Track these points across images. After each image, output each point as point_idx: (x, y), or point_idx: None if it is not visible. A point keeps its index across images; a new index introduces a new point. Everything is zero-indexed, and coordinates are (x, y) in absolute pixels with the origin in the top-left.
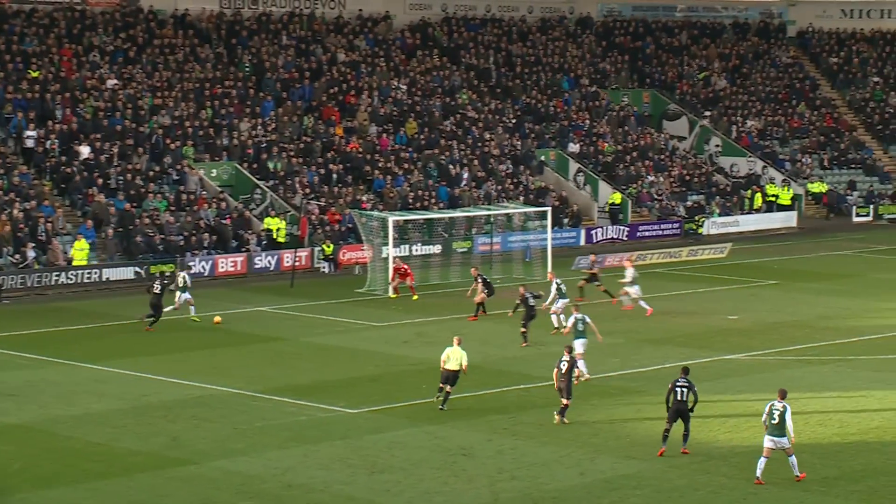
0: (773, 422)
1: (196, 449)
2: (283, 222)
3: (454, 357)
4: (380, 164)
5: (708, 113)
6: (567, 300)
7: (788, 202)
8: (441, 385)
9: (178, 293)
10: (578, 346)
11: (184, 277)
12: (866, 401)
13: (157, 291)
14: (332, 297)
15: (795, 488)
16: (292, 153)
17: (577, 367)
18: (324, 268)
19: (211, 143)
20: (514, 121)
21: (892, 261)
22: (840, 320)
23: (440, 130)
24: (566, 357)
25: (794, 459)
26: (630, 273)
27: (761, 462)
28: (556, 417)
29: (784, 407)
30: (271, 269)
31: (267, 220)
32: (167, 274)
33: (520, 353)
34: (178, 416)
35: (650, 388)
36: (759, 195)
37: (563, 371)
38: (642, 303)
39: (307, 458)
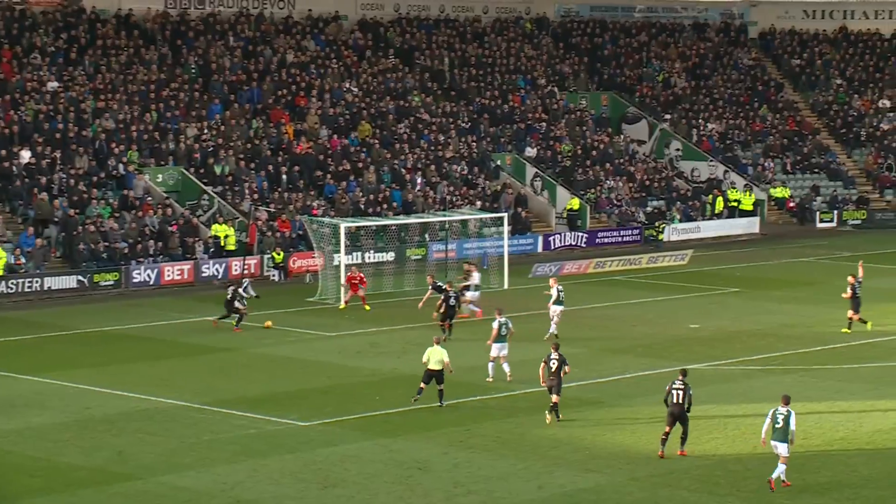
0: (777, 426)
1: (141, 464)
2: (232, 229)
3: (434, 357)
4: (331, 168)
5: (668, 116)
6: (562, 307)
7: (750, 207)
8: (422, 386)
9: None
10: (495, 350)
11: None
12: (830, 411)
13: (229, 298)
14: (282, 306)
15: (759, 501)
16: (240, 157)
17: (566, 365)
18: (273, 276)
19: (156, 147)
20: (468, 124)
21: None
22: (803, 329)
23: (393, 133)
24: (554, 355)
25: (784, 468)
26: (475, 278)
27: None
28: (548, 417)
29: (788, 412)
30: (219, 277)
31: (215, 227)
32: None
33: (476, 362)
34: (123, 430)
35: (610, 400)
36: (720, 199)
37: (553, 369)
38: (471, 306)
39: (257, 473)
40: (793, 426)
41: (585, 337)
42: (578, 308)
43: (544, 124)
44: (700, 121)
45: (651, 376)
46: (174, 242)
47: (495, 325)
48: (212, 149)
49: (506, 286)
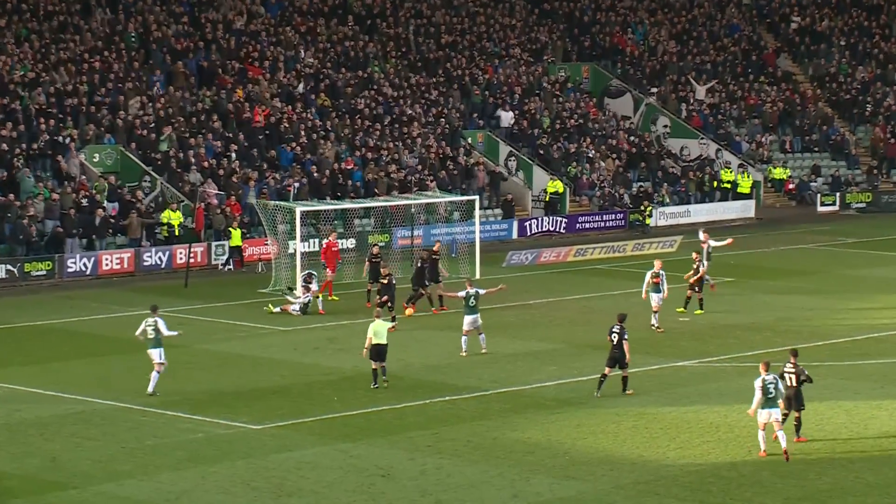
0: (769, 396)
1: (77, 471)
2: (178, 213)
3: (380, 331)
4: (286, 147)
5: (655, 90)
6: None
7: (748, 190)
8: (374, 367)
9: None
10: (467, 322)
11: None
12: (833, 412)
13: (419, 266)
14: (232, 297)
15: None
16: (185, 134)
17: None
18: (223, 265)
19: (93, 123)
20: (437, 97)
21: (860, 255)
22: (803, 322)
23: (353, 107)
24: (616, 328)
25: (783, 433)
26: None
27: (760, 435)
28: (597, 393)
29: (775, 378)
30: (162, 266)
31: (167, 212)
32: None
33: (443, 360)
34: (57, 434)
35: (591, 400)
36: (706, 178)
37: (615, 342)
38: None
39: (205, 481)
40: (781, 388)
41: (565, 331)
42: (557, 300)
43: (519, 98)
44: (690, 92)
45: (637, 374)
46: (134, 230)
47: (462, 293)
48: (153, 125)
49: (477, 276)
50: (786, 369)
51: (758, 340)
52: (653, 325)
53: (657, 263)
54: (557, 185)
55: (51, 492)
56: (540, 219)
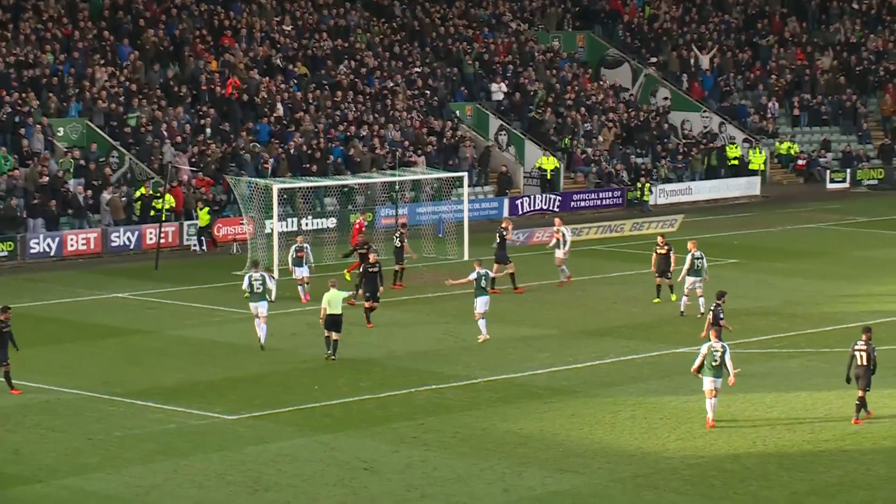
0: (713, 363)
1: (42, 464)
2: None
3: (335, 301)
4: (264, 119)
5: (654, 59)
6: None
7: (761, 167)
8: (327, 335)
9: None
10: (480, 304)
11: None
12: (842, 402)
13: (398, 245)
14: (205, 280)
15: None
16: (155, 106)
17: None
18: (195, 245)
19: (57, 95)
20: (422, 68)
21: (872, 235)
22: (811, 306)
23: (333, 78)
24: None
25: (715, 402)
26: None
27: (708, 404)
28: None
29: (723, 347)
30: (131, 247)
31: (140, 191)
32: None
33: (429, 347)
34: (20, 425)
35: (585, 389)
36: (713, 154)
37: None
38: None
39: (177, 475)
40: (728, 362)
41: (558, 316)
42: (550, 283)
43: (511, 68)
44: (691, 59)
45: (635, 361)
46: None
47: (473, 276)
48: (122, 97)
49: (466, 257)
50: (857, 347)
51: (763, 326)
52: (682, 313)
53: (691, 244)
54: (550, 162)
55: (14, 486)
56: (533, 196)
